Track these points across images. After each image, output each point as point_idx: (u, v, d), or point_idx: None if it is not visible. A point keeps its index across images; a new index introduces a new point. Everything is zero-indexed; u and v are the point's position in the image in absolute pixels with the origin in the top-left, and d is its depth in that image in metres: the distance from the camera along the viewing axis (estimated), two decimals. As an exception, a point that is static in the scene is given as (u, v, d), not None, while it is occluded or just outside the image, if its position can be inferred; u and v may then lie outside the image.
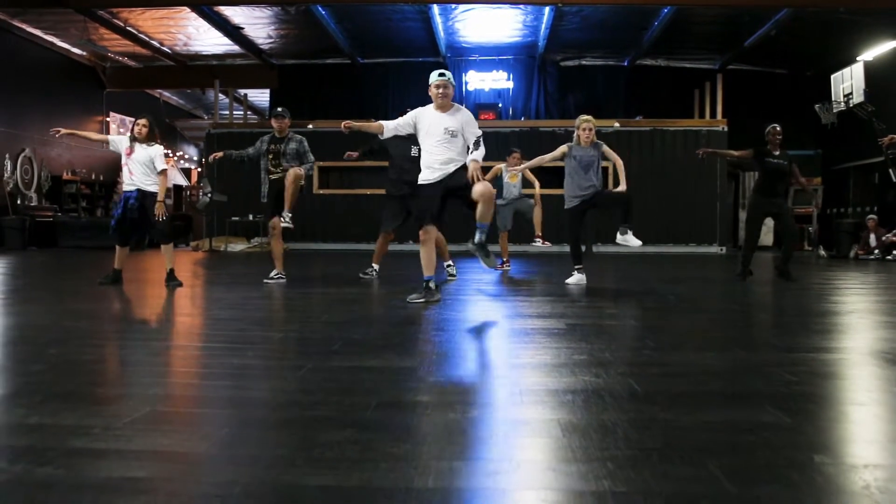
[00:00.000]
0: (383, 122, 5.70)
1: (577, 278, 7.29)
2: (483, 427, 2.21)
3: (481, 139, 5.35)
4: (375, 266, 7.98)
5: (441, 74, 5.37)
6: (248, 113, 20.69)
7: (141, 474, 1.76)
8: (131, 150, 6.75)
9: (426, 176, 5.49)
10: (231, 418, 2.27)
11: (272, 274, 7.36)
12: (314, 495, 1.63)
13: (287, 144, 7.34)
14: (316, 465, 1.82)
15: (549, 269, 10.04)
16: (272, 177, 7.40)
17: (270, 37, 17.19)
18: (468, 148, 5.40)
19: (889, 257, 13.55)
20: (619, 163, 7.07)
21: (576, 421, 2.24)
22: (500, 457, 1.93)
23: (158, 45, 17.42)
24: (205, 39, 17.13)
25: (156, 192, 6.75)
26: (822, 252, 15.60)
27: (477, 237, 5.46)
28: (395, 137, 6.36)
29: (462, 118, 5.41)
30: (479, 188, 5.16)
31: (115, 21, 15.47)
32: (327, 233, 16.52)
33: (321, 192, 16.52)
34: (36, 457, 1.86)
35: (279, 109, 7.53)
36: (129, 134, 6.87)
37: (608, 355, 3.37)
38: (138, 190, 6.71)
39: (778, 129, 8.00)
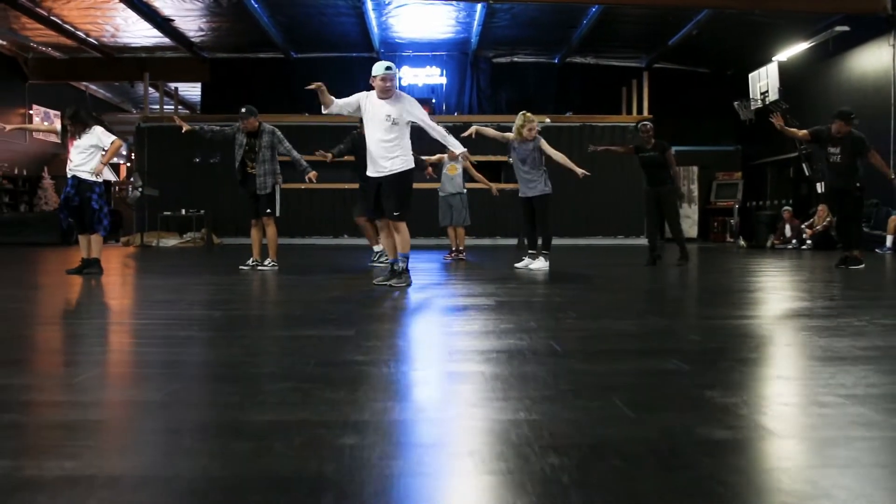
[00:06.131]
0: (335, 99, 5.61)
1: (534, 262, 7.54)
2: (414, 377, 2.42)
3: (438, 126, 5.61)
4: (376, 248, 8.35)
5: (388, 68, 5.43)
6: (179, 107, 20.38)
7: (98, 417, 1.91)
8: (73, 138, 6.77)
9: (368, 171, 5.64)
10: (181, 376, 2.43)
11: (267, 262, 7.66)
12: (259, 428, 1.81)
13: (260, 139, 7.48)
14: (261, 408, 2.00)
15: (484, 259, 10.32)
16: (249, 170, 7.56)
17: (202, 29, 16.98)
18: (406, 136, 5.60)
19: (803, 246, 14.34)
20: (560, 156, 7.50)
21: (499, 372, 2.47)
22: (428, 397, 2.15)
23: (84, 36, 16.99)
24: (133, 31, 16.80)
25: (91, 181, 6.75)
26: (742, 242, 16.36)
27: (395, 266, 5.61)
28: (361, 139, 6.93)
29: (403, 105, 5.52)
30: (392, 226, 5.55)
31: (39, 10, 15.04)
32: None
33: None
34: (-5, 407, 1.98)
35: (243, 110, 7.43)
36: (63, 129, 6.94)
37: (533, 324, 3.63)
38: (74, 177, 6.71)
39: (647, 126, 8.68)
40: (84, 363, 2.64)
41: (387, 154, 5.48)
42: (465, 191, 9.38)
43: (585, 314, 4.11)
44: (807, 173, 15.57)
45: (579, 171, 7.47)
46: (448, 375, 2.45)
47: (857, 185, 7.70)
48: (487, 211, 15.24)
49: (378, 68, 5.45)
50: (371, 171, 5.59)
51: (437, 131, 5.59)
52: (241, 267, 7.55)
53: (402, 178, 5.51)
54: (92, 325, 3.74)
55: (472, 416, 1.94)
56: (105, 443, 1.71)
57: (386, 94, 5.44)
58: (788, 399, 2.22)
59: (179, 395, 2.15)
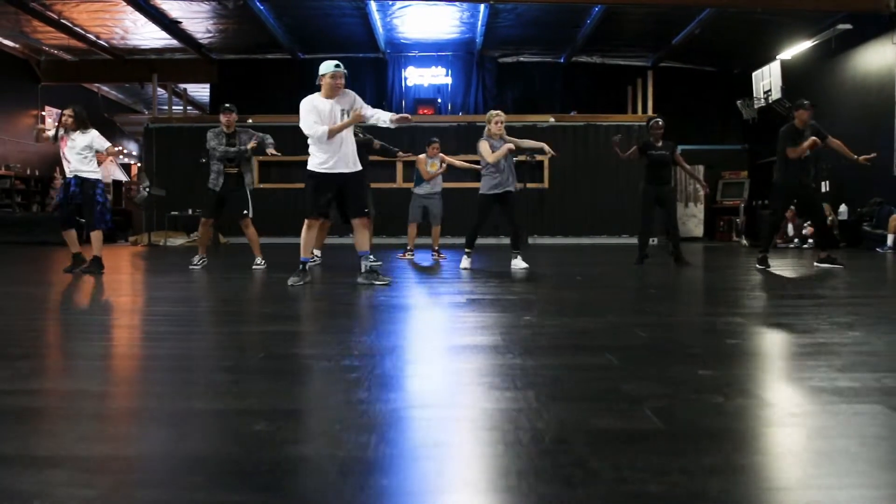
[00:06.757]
0: (320, 128, 5.45)
1: (465, 262, 7.62)
2: (349, 371, 2.56)
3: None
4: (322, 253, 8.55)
5: (337, 66, 5.54)
6: (188, 108, 20.67)
7: (35, 405, 2.07)
8: (66, 139, 6.96)
9: (320, 161, 5.55)
10: (130, 367, 2.59)
11: (195, 259, 7.80)
12: (184, 415, 1.97)
13: (239, 138, 7.67)
14: (194, 397, 2.16)
15: (481, 258, 10.44)
16: (228, 171, 7.71)
17: (209, 31, 17.22)
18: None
19: (805, 245, 14.35)
20: (529, 141, 7.68)
21: (431, 367, 2.61)
22: (352, 390, 2.29)
23: (95, 38, 17.28)
24: (142, 33, 17.07)
25: (93, 179, 6.96)
26: (745, 241, 16.38)
27: (362, 268, 5.70)
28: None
29: (350, 99, 5.60)
30: (358, 222, 5.62)
31: (49, 13, 15.33)
32: (266, 226, 16.62)
33: (261, 185, 16.62)
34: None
35: (227, 105, 7.75)
36: (57, 125, 7.09)
37: (491, 321, 3.76)
38: (76, 176, 6.93)
39: (660, 122, 8.60)
40: (41, 356, 2.80)
41: (353, 151, 5.61)
42: (440, 189, 9.36)
43: (549, 312, 4.23)
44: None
45: (550, 150, 7.58)
46: (382, 370, 2.58)
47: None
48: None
49: (328, 66, 5.51)
50: (339, 168, 5.55)
51: (378, 116, 5.62)
52: (191, 266, 7.62)
53: (364, 175, 5.67)
54: (62, 320, 3.91)
55: (382, 406, 2.08)
56: (32, 428, 1.87)
57: (335, 92, 5.50)
58: (698, 394, 2.32)
59: (121, 385, 2.31)
